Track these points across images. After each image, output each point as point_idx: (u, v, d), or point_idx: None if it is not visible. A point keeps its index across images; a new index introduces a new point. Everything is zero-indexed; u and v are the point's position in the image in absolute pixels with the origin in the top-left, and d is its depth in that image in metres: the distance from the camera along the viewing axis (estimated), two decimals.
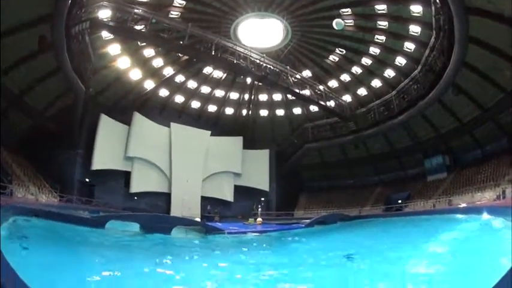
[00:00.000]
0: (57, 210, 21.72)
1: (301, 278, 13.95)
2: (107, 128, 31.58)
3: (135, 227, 24.04)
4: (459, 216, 22.69)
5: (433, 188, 31.97)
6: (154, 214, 28.33)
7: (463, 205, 24.58)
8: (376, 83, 36.85)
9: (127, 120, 33.22)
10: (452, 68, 25.83)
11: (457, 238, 17.73)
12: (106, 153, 31.18)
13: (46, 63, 23.00)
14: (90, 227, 20.36)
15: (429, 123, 32.94)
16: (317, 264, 16.74)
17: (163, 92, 37.87)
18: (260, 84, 35.72)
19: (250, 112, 41.20)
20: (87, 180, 31.11)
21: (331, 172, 41.31)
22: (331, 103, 35.86)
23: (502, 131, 27.82)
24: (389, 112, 34.36)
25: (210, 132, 38.61)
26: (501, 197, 22.50)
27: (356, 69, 36.57)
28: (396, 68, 34.03)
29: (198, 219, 32.08)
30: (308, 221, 32.03)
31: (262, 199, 40.23)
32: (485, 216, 20.17)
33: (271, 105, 42.41)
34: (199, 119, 39.93)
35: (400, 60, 33.00)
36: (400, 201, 32.74)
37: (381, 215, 31.91)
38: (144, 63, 33.44)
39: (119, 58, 30.99)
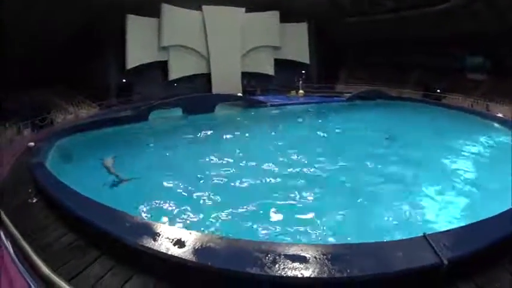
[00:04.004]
0: (98, 118, 22.79)
1: (342, 150, 15.45)
2: (136, 26, 31.38)
3: (178, 112, 25.49)
4: (496, 125, 22.03)
5: (472, 87, 30.19)
6: (196, 94, 29.58)
7: (500, 115, 23.56)
8: None
9: (155, 15, 32.51)
10: None
11: (492, 145, 17.53)
12: (139, 49, 31.51)
13: None
14: (134, 123, 21.79)
15: (474, 19, 29.50)
16: (358, 140, 18.00)
17: None
18: None
19: None
20: (124, 80, 31.86)
21: (373, 49, 39.22)
22: None
23: None
24: None
25: (244, 9, 36.86)
26: None
27: None
28: None
29: (240, 94, 33.19)
30: (349, 94, 32.55)
31: (303, 72, 40.08)
32: None
33: None
34: None
35: None
36: (438, 91, 31.84)
37: (421, 101, 31.66)
38: None
39: None
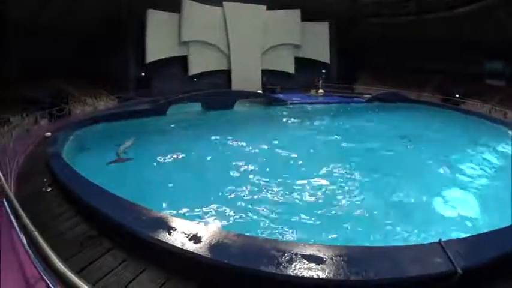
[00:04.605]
0: (116, 110, 22.69)
1: (358, 148, 15.78)
2: (156, 20, 31.45)
3: (197, 107, 25.56)
4: (511, 132, 21.31)
5: (491, 93, 29.43)
6: (216, 90, 29.52)
7: None
8: None
9: (176, 10, 32.44)
10: None
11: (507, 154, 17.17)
12: (159, 44, 31.55)
13: None
14: (153, 116, 21.80)
15: (496, 24, 28.98)
16: (374, 138, 18.00)
17: None
18: None
19: None
20: (143, 74, 31.85)
21: (393, 51, 38.72)
22: None
23: None
24: (453, 1, 30.78)
25: (265, 6, 36.71)
26: None
27: None
28: None
29: (260, 92, 33.19)
30: (369, 96, 32.31)
31: (323, 71, 39.81)
32: None
33: None
34: None
35: None
36: (457, 95, 31.25)
37: (439, 105, 31.07)
38: None
39: None
